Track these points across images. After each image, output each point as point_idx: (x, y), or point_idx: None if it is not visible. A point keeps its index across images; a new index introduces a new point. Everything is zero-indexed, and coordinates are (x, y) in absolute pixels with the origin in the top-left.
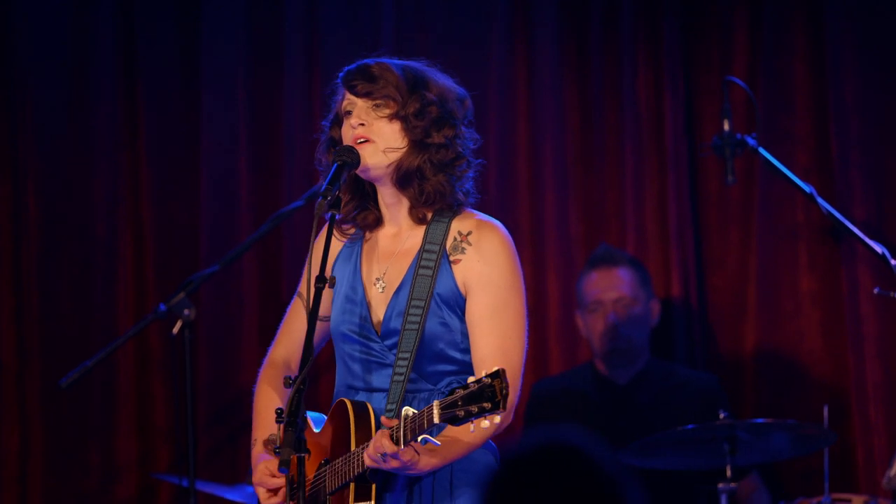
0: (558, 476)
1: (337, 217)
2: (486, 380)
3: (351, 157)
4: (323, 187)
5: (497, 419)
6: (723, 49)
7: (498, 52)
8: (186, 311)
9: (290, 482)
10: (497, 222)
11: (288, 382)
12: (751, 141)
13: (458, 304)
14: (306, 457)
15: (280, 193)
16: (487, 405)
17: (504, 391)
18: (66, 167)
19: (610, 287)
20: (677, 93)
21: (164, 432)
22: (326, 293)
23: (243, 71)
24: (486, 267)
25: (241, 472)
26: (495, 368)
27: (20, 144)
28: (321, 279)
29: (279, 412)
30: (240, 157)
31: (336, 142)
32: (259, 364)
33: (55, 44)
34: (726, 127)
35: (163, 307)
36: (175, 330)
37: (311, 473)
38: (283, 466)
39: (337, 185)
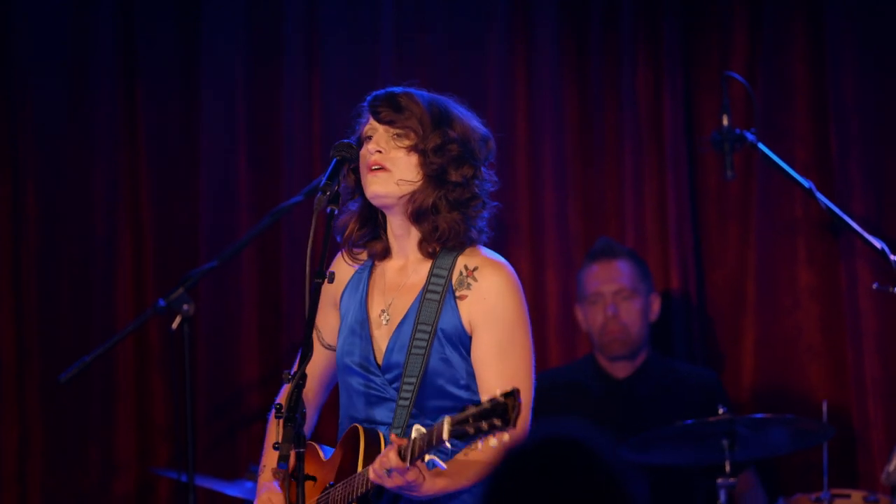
0: (561, 469)
1: (337, 213)
2: (500, 398)
3: (350, 153)
4: (322, 182)
5: (506, 437)
6: (722, 49)
7: (497, 50)
8: (185, 307)
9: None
10: (504, 260)
11: (287, 378)
12: (750, 136)
13: (461, 341)
14: (311, 484)
15: (279, 193)
16: (498, 422)
17: (516, 410)
18: (66, 167)
19: (609, 279)
20: (676, 92)
21: (164, 428)
22: (338, 323)
23: (243, 71)
24: (492, 304)
25: (240, 468)
26: (511, 388)
27: (20, 144)
28: (320, 274)
29: (278, 407)
30: (239, 156)
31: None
32: (257, 360)
33: (55, 44)
34: (725, 122)
35: (162, 302)
36: (174, 325)
37: (311, 499)
38: (282, 462)
39: (336, 180)
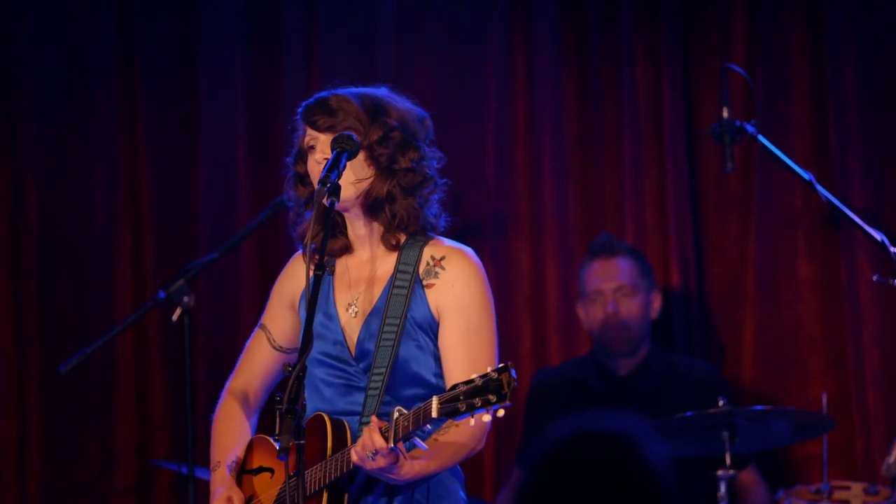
0: (601, 464)
1: (336, 202)
2: (492, 374)
3: (350, 145)
4: (322, 174)
5: (501, 413)
6: (722, 42)
7: (497, 41)
8: (185, 299)
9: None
10: (468, 249)
11: (287, 370)
12: (750, 128)
13: (431, 328)
14: (268, 476)
15: (279, 193)
16: (493, 398)
17: (511, 384)
18: (66, 163)
19: (610, 276)
20: (676, 83)
21: (163, 420)
22: (293, 325)
23: (243, 69)
24: (459, 292)
25: None
26: (503, 364)
27: (20, 141)
28: (320, 266)
29: (279, 398)
30: (238, 155)
31: (302, 177)
32: None
33: (55, 42)
34: (725, 114)
35: (162, 294)
36: (174, 317)
37: (270, 490)
38: (283, 454)
39: (336, 172)
